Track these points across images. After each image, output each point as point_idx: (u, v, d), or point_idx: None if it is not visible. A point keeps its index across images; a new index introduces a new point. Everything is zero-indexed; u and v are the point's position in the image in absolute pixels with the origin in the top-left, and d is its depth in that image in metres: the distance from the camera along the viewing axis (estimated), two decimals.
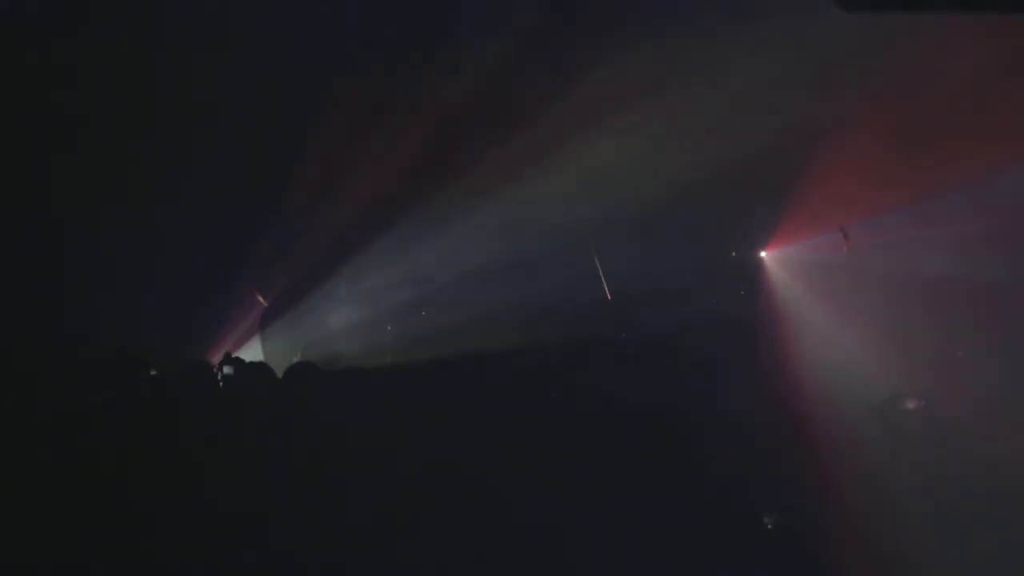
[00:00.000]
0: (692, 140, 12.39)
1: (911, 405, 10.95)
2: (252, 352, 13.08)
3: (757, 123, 12.13)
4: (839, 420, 10.35)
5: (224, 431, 8.33)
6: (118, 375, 8.80)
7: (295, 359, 13.00)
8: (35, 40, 10.67)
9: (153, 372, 9.49)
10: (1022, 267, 12.06)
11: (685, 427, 9.46)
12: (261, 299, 13.49)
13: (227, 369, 9.79)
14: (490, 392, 10.17)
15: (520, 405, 9.69)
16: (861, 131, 12.06)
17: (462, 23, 11.73)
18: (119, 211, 11.45)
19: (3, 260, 10.82)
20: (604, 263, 13.85)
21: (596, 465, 8.77)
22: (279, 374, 9.98)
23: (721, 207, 13.41)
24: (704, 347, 11.74)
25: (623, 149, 12.75)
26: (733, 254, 14.01)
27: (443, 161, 12.66)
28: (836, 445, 9.81)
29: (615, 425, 9.36)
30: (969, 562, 8.55)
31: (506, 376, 10.89)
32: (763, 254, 13.89)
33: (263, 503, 7.77)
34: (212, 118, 11.52)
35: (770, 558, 8.60)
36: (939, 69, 11.13)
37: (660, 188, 12.89)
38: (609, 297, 13.41)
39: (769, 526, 8.92)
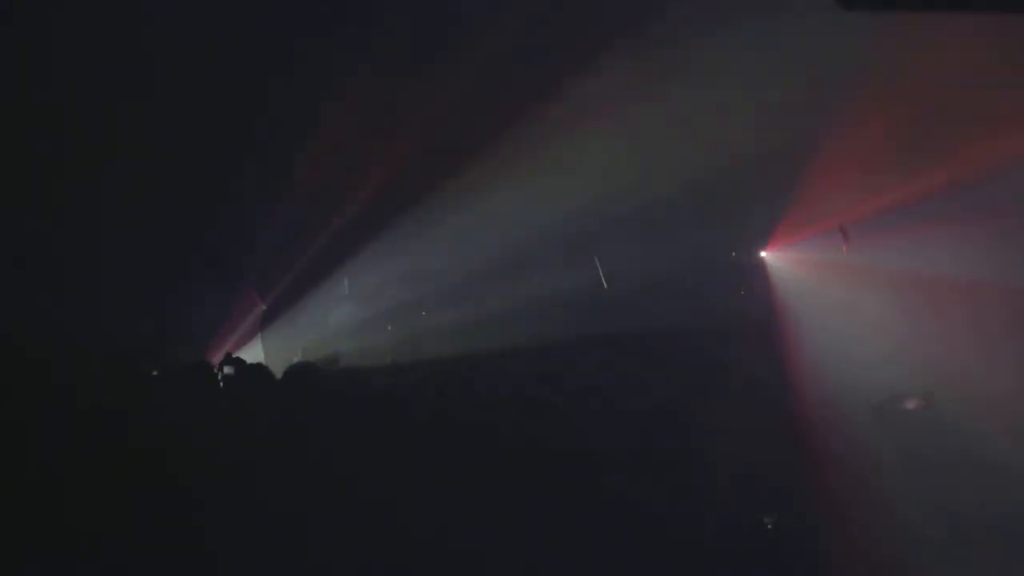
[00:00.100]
0: (692, 140, 12.40)
1: (911, 405, 10.95)
2: (252, 352, 13.08)
3: (757, 123, 12.13)
4: (839, 419, 10.35)
5: (224, 431, 8.32)
6: (118, 375, 8.79)
7: (295, 359, 13.01)
8: (35, 39, 10.66)
9: (153, 372, 9.49)
10: (1022, 267, 12.06)
11: (685, 427, 9.45)
12: (260, 300, 13.49)
13: (227, 369, 9.78)
14: (489, 392, 10.17)
15: (519, 405, 9.68)
16: (861, 131, 12.07)
17: (462, 22, 11.74)
18: (119, 211, 11.45)
19: (3, 260, 10.82)
20: (604, 263, 13.86)
21: (596, 465, 8.76)
22: (279, 374, 9.97)
23: (721, 207, 13.42)
24: (704, 346, 11.74)
25: (623, 149, 12.76)
26: (733, 254, 14.01)
27: (443, 161, 12.67)
28: (836, 444, 9.80)
29: (615, 425, 9.35)
30: (969, 562, 8.55)
31: (506, 376, 10.89)
32: (763, 254, 13.89)
33: (263, 503, 7.76)
34: (212, 118, 11.52)
35: (770, 559, 8.59)
36: (939, 69, 11.13)
37: (660, 188, 12.91)
38: (609, 297, 13.41)
39: (769, 526, 8.91)
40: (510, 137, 12.39)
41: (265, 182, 12.40)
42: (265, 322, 13.60)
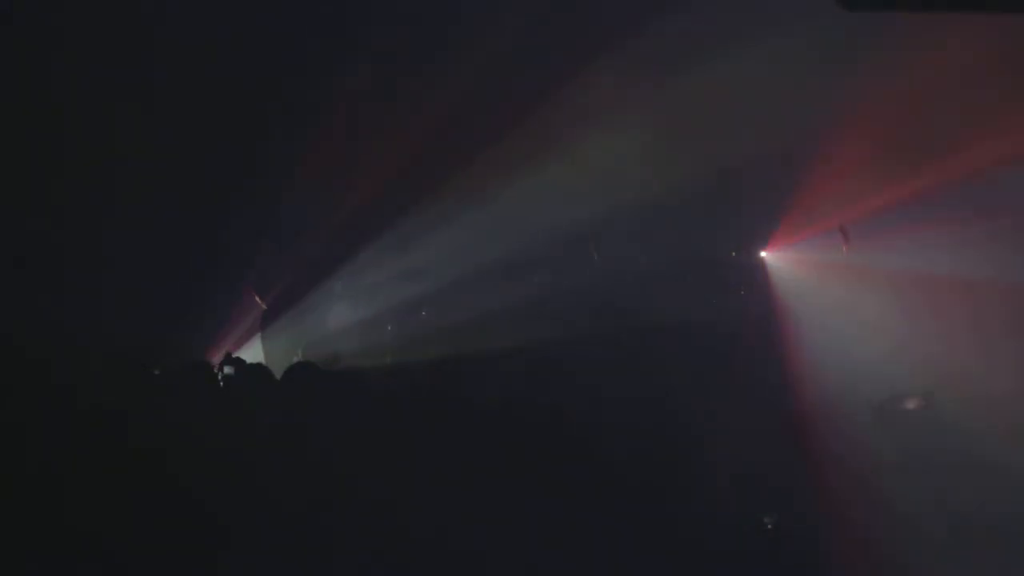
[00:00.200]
0: (692, 140, 12.39)
1: (911, 405, 10.95)
2: (252, 352, 13.07)
3: (757, 123, 12.12)
4: (839, 419, 10.35)
5: (224, 431, 8.32)
6: (118, 375, 8.79)
7: (295, 359, 13.01)
8: (34, 39, 10.66)
9: (153, 372, 9.49)
10: (1022, 267, 12.06)
11: (685, 427, 9.46)
12: (260, 300, 13.49)
13: (227, 369, 9.78)
14: (489, 391, 10.16)
15: (519, 404, 9.68)
16: (861, 131, 12.06)
17: (462, 21, 11.73)
18: (119, 211, 11.44)
19: (3, 260, 10.82)
20: (604, 263, 13.85)
21: (595, 465, 8.76)
22: (279, 374, 9.97)
23: (721, 207, 13.41)
24: (704, 347, 11.74)
25: (623, 149, 12.75)
26: (733, 254, 14.01)
27: (442, 160, 12.66)
28: (836, 444, 9.81)
29: (615, 425, 9.35)
30: (969, 562, 8.55)
31: (505, 375, 10.89)
32: (763, 254, 13.88)
33: (263, 503, 7.77)
34: (212, 117, 11.52)
35: (770, 559, 8.59)
36: (939, 69, 11.13)
37: (660, 188, 12.90)
38: (609, 297, 13.39)
39: (769, 526, 8.92)
40: (510, 137, 12.38)
41: (265, 182, 12.40)
42: (265, 322, 13.60)
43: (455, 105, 12.03)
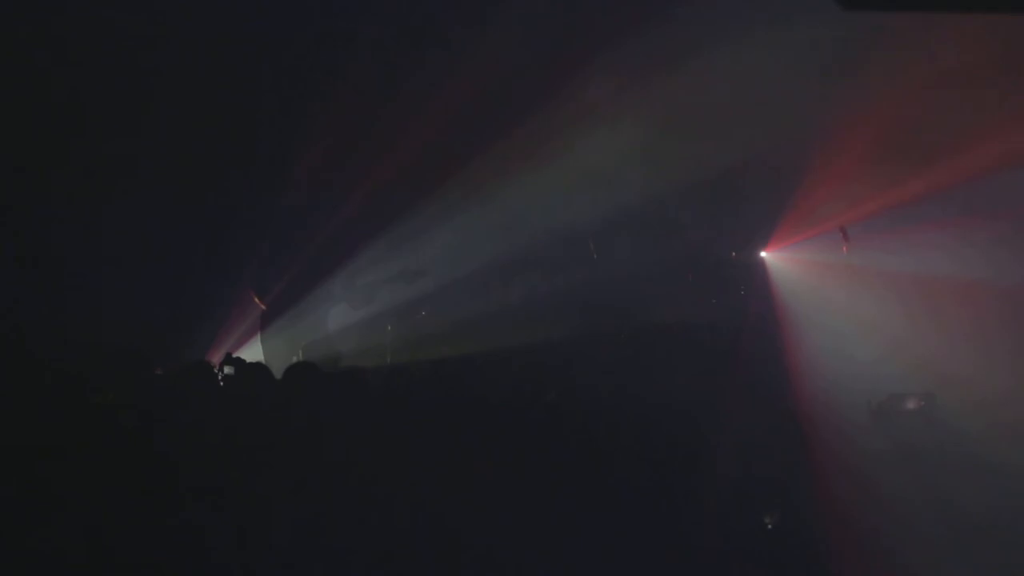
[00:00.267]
0: (692, 140, 12.40)
1: (911, 405, 10.96)
2: (252, 352, 13.07)
3: (757, 123, 12.14)
4: (839, 419, 10.36)
5: (224, 431, 8.31)
6: (118, 375, 8.79)
7: (295, 359, 13.01)
8: (33, 38, 10.67)
9: (153, 372, 9.49)
10: (1022, 267, 12.07)
11: (685, 427, 9.45)
12: (260, 300, 13.49)
13: (227, 369, 9.77)
14: (489, 392, 10.16)
15: (519, 405, 9.69)
16: (861, 130, 12.07)
17: (462, 21, 11.74)
18: (119, 210, 11.45)
19: (3, 259, 10.82)
20: (605, 263, 13.86)
21: (596, 465, 8.76)
22: (279, 374, 9.97)
23: (721, 207, 13.43)
24: (704, 347, 11.75)
25: (623, 149, 12.76)
26: (733, 254, 14.01)
27: (442, 160, 12.67)
28: (836, 444, 9.81)
29: (615, 425, 9.35)
30: (969, 562, 8.55)
31: (505, 375, 10.89)
32: (763, 254, 13.89)
33: (263, 503, 7.77)
34: (212, 117, 11.53)
35: (770, 559, 8.59)
36: (939, 69, 11.14)
37: (660, 188, 12.91)
38: (609, 296, 13.40)
39: (769, 526, 8.92)
40: (510, 137, 12.39)
41: (265, 182, 12.40)
42: (265, 322, 13.60)
43: (455, 105, 12.03)
